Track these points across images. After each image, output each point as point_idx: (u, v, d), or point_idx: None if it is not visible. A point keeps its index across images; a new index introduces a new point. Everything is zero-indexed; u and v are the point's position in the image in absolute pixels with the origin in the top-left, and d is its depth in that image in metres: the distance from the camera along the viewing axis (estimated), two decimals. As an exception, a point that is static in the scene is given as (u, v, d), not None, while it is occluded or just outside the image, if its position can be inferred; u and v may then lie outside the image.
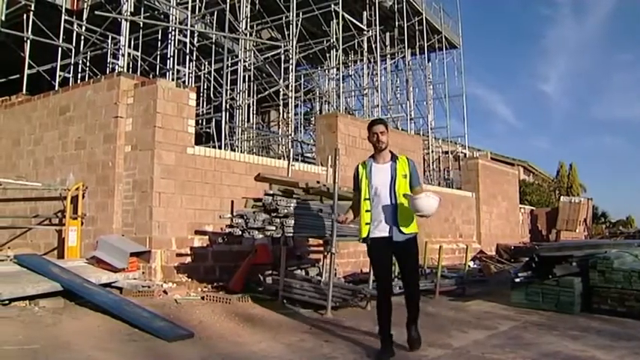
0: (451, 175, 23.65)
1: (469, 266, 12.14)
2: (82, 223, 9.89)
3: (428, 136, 23.52)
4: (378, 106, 21.30)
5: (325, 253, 8.89)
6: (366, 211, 5.21)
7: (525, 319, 7.45)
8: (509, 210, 22.70)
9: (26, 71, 12.67)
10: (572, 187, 39.93)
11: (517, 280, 8.51)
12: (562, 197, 29.02)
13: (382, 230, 5.15)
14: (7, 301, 6.52)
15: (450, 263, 14.16)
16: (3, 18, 12.34)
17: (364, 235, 5.22)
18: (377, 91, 21.53)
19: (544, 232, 27.06)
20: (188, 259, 9.59)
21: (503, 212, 21.95)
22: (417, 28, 23.37)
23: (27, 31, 12.74)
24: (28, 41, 12.72)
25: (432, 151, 23.44)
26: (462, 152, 24.25)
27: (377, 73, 21.70)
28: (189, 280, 9.35)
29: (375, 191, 5.19)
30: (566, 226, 25.41)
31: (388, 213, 5.13)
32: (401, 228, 5.11)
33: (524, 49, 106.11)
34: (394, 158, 5.28)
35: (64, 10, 13.76)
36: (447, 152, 24.37)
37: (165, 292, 8.26)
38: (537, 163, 42.39)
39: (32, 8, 12.89)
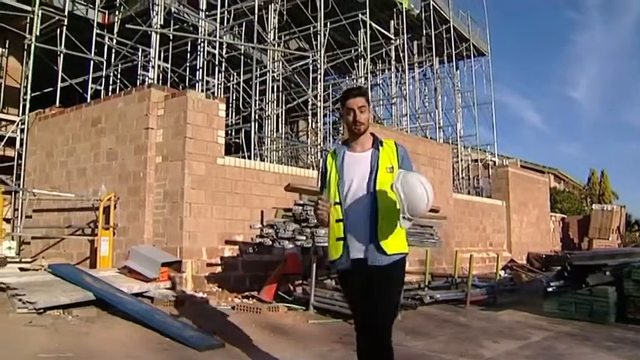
0: (481, 184, 23.44)
1: (500, 275, 12.02)
2: (113, 234, 10.01)
3: (457, 145, 23.36)
4: (406, 115, 21.24)
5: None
6: (338, 220, 3.52)
7: (558, 329, 7.36)
8: (540, 218, 22.43)
9: (59, 84, 12.88)
10: (604, 195, 39.29)
11: (549, 289, 8.43)
12: (594, 205, 28.61)
13: (357, 250, 3.48)
14: (41, 310, 6.61)
15: (480, 272, 14.04)
16: (38, 33, 12.57)
17: (337, 255, 3.53)
18: (405, 99, 21.47)
19: (576, 240, 26.66)
20: (218, 269, 9.64)
21: (534, 220, 21.70)
22: (444, 36, 23.29)
23: (60, 45, 12.97)
24: (62, 55, 12.94)
25: (462, 160, 23.28)
26: (491, 160, 24.04)
27: (405, 82, 21.63)
28: (220, 289, 9.39)
29: (347, 191, 3.52)
30: (598, 235, 25.01)
31: (363, 223, 3.46)
32: (381, 245, 3.42)
33: (552, 55, 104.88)
34: (377, 144, 3.62)
35: (95, 25, 13.99)
36: (476, 160, 24.17)
37: (196, 301, 8.31)
38: (568, 171, 41.91)
39: (65, 23, 13.12)
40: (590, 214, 26.51)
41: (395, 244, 3.47)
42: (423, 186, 3.33)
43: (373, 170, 3.50)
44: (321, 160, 4.06)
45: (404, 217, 3.34)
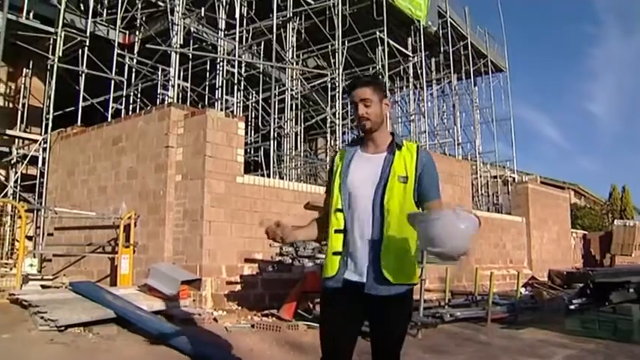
0: (500, 200, 23.29)
1: (521, 293, 11.90)
2: (134, 251, 10.06)
3: (476, 161, 23.27)
4: (425, 131, 21.23)
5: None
6: (337, 231, 2.93)
7: (581, 348, 7.27)
8: (561, 234, 22.21)
9: (81, 104, 13.06)
10: (625, 211, 38.79)
11: (572, 307, 8.34)
12: (616, 221, 28.26)
13: (354, 271, 2.86)
14: (62, 328, 6.66)
15: (500, 290, 13.91)
16: (60, 54, 12.76)
17: (332, 272, 2.90)
18: (424, 116, 21.47)
19: (597, 256, 26.32)
20: (238, 287, 9.65)
21: (555, 237, 21.49)
22: (462, 52, 23.28)
23: (82, 65, 13.16)
24: (83, 75, 13.13)
25: (481, 176, 23.16)
26: (510, 176, 23.89)
27: (423, 99, 21.64)
28: (239, 307, 9.39)
29: (350, 198, 2.91)
30: (621, 251, 24.69)
31: (365, 239, 2.84)
32: (384, 271, 2.77)
33: (570, 69, 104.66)
34: (393, 147, 2.96)
35: (116, 45, 14.19)
36: (495, 177, 24.03)
37: (215, 319, 8.32)
38: (588, 186, 41.45)
39: (87, 44, 13.32)
40: (611, 230, 26.19)
41: (402, 271, 2.80)
42: (467, 242, 2.52)
43: (383, 177, 2.86)
44: (329, 159, 3.40)
45: (427, 252, 2.59)
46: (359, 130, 3.04)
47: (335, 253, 2.91)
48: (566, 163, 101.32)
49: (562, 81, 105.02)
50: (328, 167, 3.24)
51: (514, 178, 23.46)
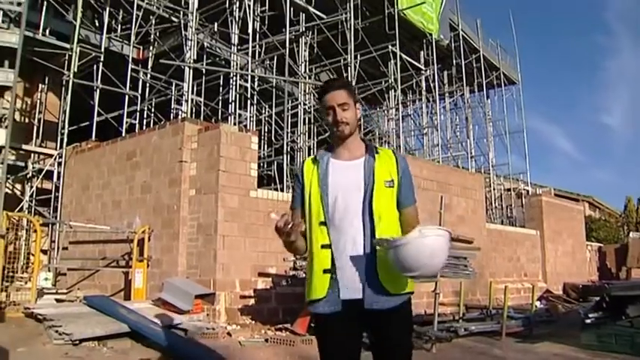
0: (514, 213, 23.18)
1: (536, 306, 11.82)
2: (147, 266, 10.11)
3: (489, 174, 23.19)
4: (438, 145, 21.19)
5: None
6: (323, 246, 2.67)
7: (598, 363, 7.20)
8: (576, 247, 22.07)
9: (95, 118, 13.17)
10: (641, 222, 38.53)
11: (587, 321, 8.26)
12: (631, 233, 28.02)
13: (349, 288, 2.61)
14: (77, 342, 6.70)
15: (515, 303, 13.82)
16: (75, 69, 12.90)
17: (321, 293, 2.65)
18: (436, 129, 21.42)
19: (613, 269, 26.10)
20: (252, 301, 9.66)
21: (569, 250, 21.35)
22: (474, 65, 23.29)
23: (96, 80, 13.29)
24: (98, 90, 13.26)
25: (494, 189, 23.06)
26: (524, 189, 23.78)
27: (436, 112, 21.60)
28: (253, 322, 9.40)
29: (334, 209, 2.68)
30: (637, 264, 24.43)
31: (359, 255, 2.62)
32: (383, 284, 2.59)
33: (583, 81, 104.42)
34: (372, 152, 2.80)
35: (130, 60, 14.30)
36: (509, 189, 23.93)
37: (229, 334, 8.33)
38: (603, 198, 41.19)
39: (101, 59, 13.46)
40: (627, 243, 25.97)
41: (399, 279, 2.61)
42: (441, 262, 2.51)
43: (368, 184, 2.68)
44: (297, 169, 3.00)
45: (389, 243, 2.49)
46: (334, 135, 2.81)
47: (325, 271, 2.64)
48: (580, 175, 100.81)
49: (575, 93, 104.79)
50: (296, 178, 2.92)
51: (528, 191, 23.37)
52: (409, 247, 2.38)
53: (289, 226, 2.59)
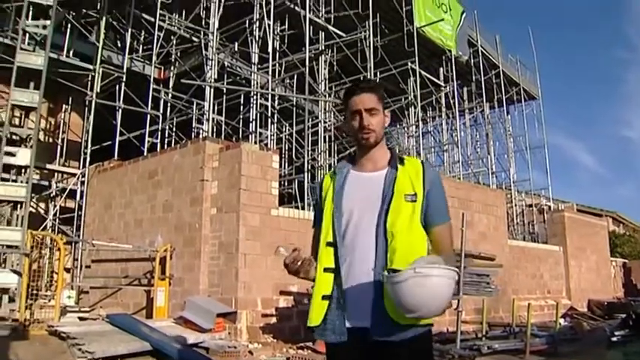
0: (536, 229, 23.00)
1: (560, 324, 11.67)
2: (169, 284, 10.15)
3: (510, 190, 23.06)
4: (458, 161, 21.13)
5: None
6: (326, 270, 2.38)
7: (624, 383, 7.09)
8: (600, 263, 21.80)
9: (117, 138, 13.31)
10: (667, 238, 37.99)
11: (614, 338, 8.18)
12: (657, 248, 27.70)
13: (356, 315, 2.31)
14: (100, 360, 6.74)
15: (539, 321, 13.66)
16: (98, 90, 13.08)
17: (317, 320, 2.36)
18: (457, 146, 21.41)
19: (639, 285, 25.75)
20: (273, 320, 9.65)
21: (593, 266, 21.10)
22: (494, 81, 23.24)
23: (119, 100, 13.46)
24: (120, 110, 13.42)
25: (516, 205, 22.92)
26: (546, 205, 23.59)
27: (456, 128, 21.61)
28: (275, 340, 9.38)
29: (345, 227, 2.39)
30: (663, 280, 24.16)
31: (368, 279, 2.31)
32: (391, 314, 2.23)
33: (604, 95, 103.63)
34: (395, 161, 2.46)
35: (152, 80, 14.46)
36: (530, 205, 23.76)
37: (251, 352, 8.32)
38: (627, 213, 40.68)
39: (124, 79, 13.63)
40: (653, 259, 25.67)
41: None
42: (444, 303, 2.14)
43: (386, 197, 2.35)
44: (316, 184, 2.74)
45: (388, 279, 2.16)
46: (358, 144, 2.51)
47: (324, 297, 2.35)
48: (603, 190, 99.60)
49: (595, 106, 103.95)
50: (315, 195, 2.65)
51: (550, 207, 23.17)
52: (404, 286, 2.07)
53: (298, 263, 2.40)
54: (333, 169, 2.58)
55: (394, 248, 2.27)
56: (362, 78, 16.69)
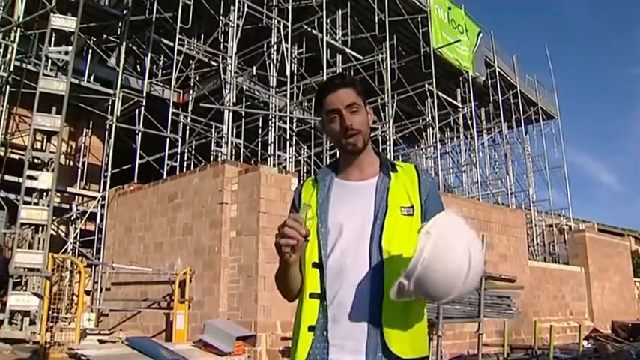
0: (557, 250, 22.78)
1: (583, 346, 11.52)
2: (189, 307, 10.17)
3: (530, 210, 22.89)
4: (477, 182, 21.05)
5: (431, 336, 8.70)
6: (312, 295, 1.94)
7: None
8: (623, 284, 21.52)
9: (137, 161, 13.43)
10: (691, 257, 37.36)
11: (638, 362, 8.03)
12: (681, 268, 27.26)
13: (346, 348, 1.85)
14: (121, 385, 6.75)
15: (561, 343, 13.50)
16: (118, 114, 13.24)
17: (302, 355, 1.89)
18: (475, 167, 21.33)
19: (664, 307, 25.36)
20: (293, 343, 9.61)
21: (616, 287, 20.83)
22: (512, 101, 23.22)
23: (138, 124, 13.59)
24: (140, 133, 13.55)
25: (536, 225, 22.74)
26: (566, 225, 23.39)
27: (474, 149, 21.57)
28: (294, 363, 9.33)
29: (333, 246, 1.93)
30: (688, 301, 23.75)
31: (358, 303, 1.85)
32: (389, 343, 1.81)
33: (623, 113, 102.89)
34: (387, 167, 2.06)
35: (171, 104, 14.61)
36: (550, 226, 23.57)
37: (270, 376, 8.30)
38: (649, 232, 40.12)
39: (143, 103, 13.78)
40: (678, 279, 25.25)
41: (411, 341, 1.87)
42: (467, 248, 1.68)
43: (380, 211, 1.93)
44: (294, 192, 2.19)
45: (405, 280, 1.69)
46: (342, 150, 2.07)
47: (310, 329, 1.92)
48: (624, 209, 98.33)
49: (614, 124, 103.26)
50: (292, 203, 2.15)
51: (570, 227, 22.98)
52: (429, 259, 1.66)
53: (304, 235, 1.78)
54: (314, 176, 2.17)
55: (392, 270, 1.82)
56: (379, 101, 16.76)
